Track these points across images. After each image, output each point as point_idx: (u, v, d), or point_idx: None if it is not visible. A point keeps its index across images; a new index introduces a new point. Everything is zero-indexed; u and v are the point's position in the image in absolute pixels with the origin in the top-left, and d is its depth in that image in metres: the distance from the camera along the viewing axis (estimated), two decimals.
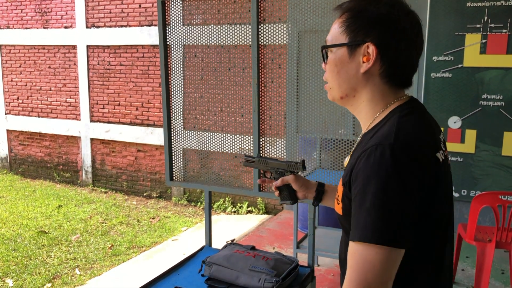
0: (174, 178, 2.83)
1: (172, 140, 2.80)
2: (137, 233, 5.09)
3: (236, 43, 2.59)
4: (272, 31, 2.48)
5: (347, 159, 1.22)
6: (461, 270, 3.78)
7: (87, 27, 6.88)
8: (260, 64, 2.53)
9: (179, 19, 2.70)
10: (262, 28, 2.49)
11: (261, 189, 2.61)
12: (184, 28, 2.70)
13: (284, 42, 2.50)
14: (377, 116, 1.11)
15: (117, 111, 6.83)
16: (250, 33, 2.50)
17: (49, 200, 6.26)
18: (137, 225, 5.37)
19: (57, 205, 6.02)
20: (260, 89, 2.55)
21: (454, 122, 4.38)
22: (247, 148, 2.64)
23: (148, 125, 6.61)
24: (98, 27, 6.80)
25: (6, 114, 7.94)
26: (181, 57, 2.75)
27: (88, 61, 6.95)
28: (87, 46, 6.92)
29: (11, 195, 6.54)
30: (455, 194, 4.46)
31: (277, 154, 2.60)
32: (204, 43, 2.68)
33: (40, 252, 4.49)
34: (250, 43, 2.52)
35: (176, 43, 2.73)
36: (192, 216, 5.76)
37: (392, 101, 1.11)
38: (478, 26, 4.17)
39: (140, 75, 6.56)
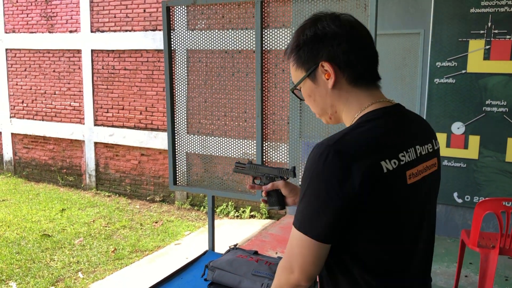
0: (177, 182, 2.84)
1: (176, 145, 2.81)
2: (140, 237, 5.10)
3: (240, 48, 2.60)
4: (275, 36, 2.50)
5: None
6: (465, 277, 3.77)
7: (91, 31, 6.92)
8: (263, 69, 2.54)
9: (184, 24, 2.72)
10: (266, 33, 2.50)
11: None
12: (188, 33, 2.72)
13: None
14: (354, 119, 1.14)
15: (121, 115, 6.86)
16: (254, 38, 2.52)
17: (52, 204, 6.28)
18: (140, 229, 5.38)
19: (60, 209, 6.03)
20: (264, 94, 2.56)
21: (458, 128, 4.38)
22: (250, 152, 2.65)
23: (152, 129, 6.63)
24: (102, 31, 6.83)
25: (10, 117, 7.98)
26: (185, 62, 2.76)
27: (92, 65, 6.99)
28: (92, 50, 6.96)
29: (15, 198, 6.57)
30: (459, 200, 4.45)
31: (280, 159, 2.61)
32: (208, 48, 2.69)
33: (44, 255, 4.50)
34: (254, 48, 2.53)
35: (180, 48, 2.75)
36: (195, 220, 5.77)
37: (368, 104, 1.14)
38: (481, 32, 4.17)
39: (144, 80, 6.59)
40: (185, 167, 2.83)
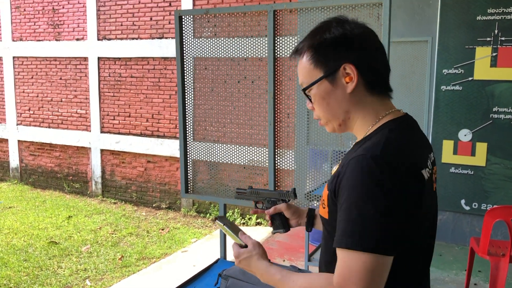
0: (189, 190, 2.85)
1: (188, 152, 2.82)
2: (146, 244, 5.10)
3: (246, 56, 2.62)
4: (282, 44, 2.51)
5: (335, 168, 1.29)
6: (474, 285, 3.74)
7: (98, 39, 6.96)
8: (275, 77, 2.55)
9: (190, 32, 2.74)
10: (277, 41, 2.52)
11: None
12: (194, 41, 2.73)
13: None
14: (370, 128, 1.14)
15: (128, 122, 6.88)
16: (259, 46, 2.53)
17: (59, 211, 6.30)
18: (146, 236, 5.38)
19: (67, 216, 6.05)
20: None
21: (465, 135, 4.37)
22: (257, 159, 2.66)
23: (158, 136, 6.65)
24: (109, 39, 6.88)
25: (17, 124, 8.03)
26: (192, 70, 2.78)
27: (99, 72, 7.03)
28: (98, 58, 7.00)
29: (22, 205, 6.59)
30: (466, 207, 4.43)
31: (287, 166, 2.61)
32: (214, 56, 2.71)
33: (51, 263, 4.51)
34: (259, 55, 2.55)
35: (187, 55, 2.77)
36: (201, 228, 5.77)
37: (384, 113, 1.15)
38: (488, 39, 4.17)
39: (151, 87, 6.62)
40: (194, 174, 2.84)
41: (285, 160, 2.61)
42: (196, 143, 2.82)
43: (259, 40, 2.55)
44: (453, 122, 4.40)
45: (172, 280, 3.99)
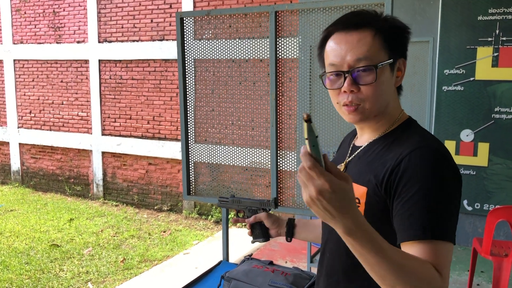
0: (191, 192, 2.84)
1: (190, 155, 2.81)
2: (148, 246, 5.09)
3: (247, 57, 2.62)
4: (284, 45, 2.51)
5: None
6: (477, 285, 3.73)
7: (99, 41, 6.97)
8: (277, 79, 2.54)
9: (191, 34, 2.74)
10: (278, 42, 2.51)
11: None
12: (195, 42, 2.73)
13: (295, 56, 2.52)
14: (392, 125, 1.14)
15: (129, 125, 6.88)
16: (261, 47, 2.53)
17: (60, 213, 6.29)
18: (148, 238, 5.38)
19: (68, 218, 6.04)
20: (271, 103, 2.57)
21: (467, 135, 4.36)
22: (259, 161, 2.65)
23: (160, 139, 6.64)
24: (110, 41, 6.88)
25: (18, 127, 8.03)
26: (192, 72, 2.78)
27: (100, 75, 7.03)
28: (99, 61, 7.00)
29: (23, 208, 6.59)
30: (468, 208, 4.42)
31: (289, 167, 2.61)
32: (215, 58, 2.70)
33: (53, 266, 4.50)
34: (261, 57, 2.55)
35: (188, 57, 2.77)
36: (203, 230, 5.76)
37: (401, 111, 1.17)
38: (489, 39, 4.17)
39: (152, 89, 6.62)
40: (196, 176, 2.84)
41: (287, 161, 2.61)
42: (197, 145, 2.82)
43: (260, 42, 2.54)
44: (455, 122, 4.40)
45: (174, 282, 3.98)
